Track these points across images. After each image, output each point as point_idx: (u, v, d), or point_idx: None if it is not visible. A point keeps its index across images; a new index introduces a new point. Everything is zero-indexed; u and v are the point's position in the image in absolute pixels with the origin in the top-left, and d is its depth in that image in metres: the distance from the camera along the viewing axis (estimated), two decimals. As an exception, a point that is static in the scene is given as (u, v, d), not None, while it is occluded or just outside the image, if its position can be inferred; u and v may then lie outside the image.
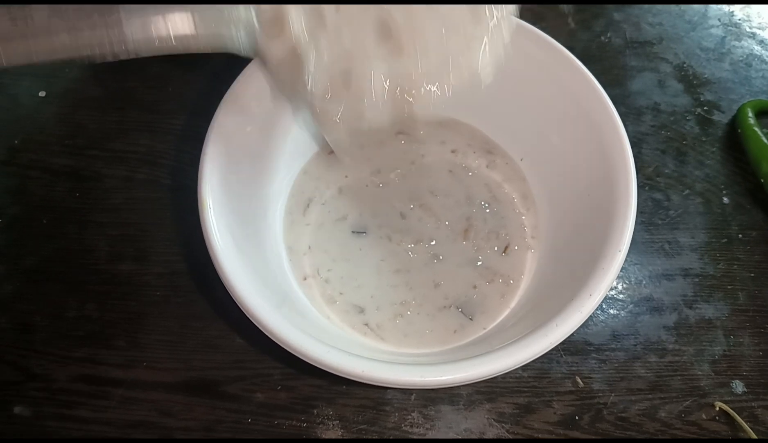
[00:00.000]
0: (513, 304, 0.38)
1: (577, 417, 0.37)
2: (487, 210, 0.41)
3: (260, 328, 0.29)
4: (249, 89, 0.36)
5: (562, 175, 0.39)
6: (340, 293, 0.38)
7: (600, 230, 0.32)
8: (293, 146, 0.41)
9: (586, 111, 0.36)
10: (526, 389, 0.38)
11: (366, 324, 0.37)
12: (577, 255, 0.34)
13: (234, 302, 0.31)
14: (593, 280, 0.30)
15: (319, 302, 0.38)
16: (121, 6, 0.28)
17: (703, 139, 0.48)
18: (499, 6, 0.30)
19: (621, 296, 0.41)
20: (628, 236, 0.31)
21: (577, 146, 0.37)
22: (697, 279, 0.42)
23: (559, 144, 0.39)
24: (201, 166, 0.33)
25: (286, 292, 0.36)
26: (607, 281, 0.30)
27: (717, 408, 0.38)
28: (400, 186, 0.42)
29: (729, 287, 0.42)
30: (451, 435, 0.36)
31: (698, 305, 0.41)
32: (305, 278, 0.38)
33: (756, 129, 0.46)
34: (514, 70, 0.40)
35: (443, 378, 0.28)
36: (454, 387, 0.37)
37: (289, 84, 0.31)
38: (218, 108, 0.35)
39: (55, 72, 0.49)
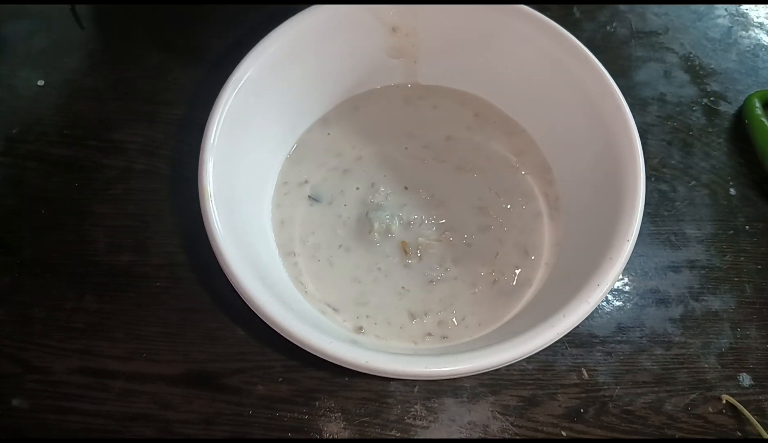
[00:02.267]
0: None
1: (582, 410, 0.37)
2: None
3: (262, 318, 0.29)
4: (249, 77, 0.36)
5: (571, 163, 0.39)
6: (340, 290, 0.37)
7: (608, 220, 0.32)
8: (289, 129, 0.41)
9: (595, 101, 0.36)
10: (530, 381, 0.37)
11: (368, 316, 0.36)
12: (584, 245, 0.34)
13: (234, 293, 0.30)
14: (601, 270, 0.30)
15: (316, 294, 0.37)
16: None
17: (710, 130, 0.47)
18: None
19: (627, 288, 0.41)
20: (637, 225, 0.31)
21: (586, 136, 0.37)
22: (703, 271, 0.42)
23: (568, 134, 0.39)
24: (201, 154, 0.32)
25: (286, 281, 0.36)
26: (615, 271, 0.30)
27: (723, 402, 0.37)
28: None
29: (736, 279, 0.41)
30: (455, 428, 0.36)
31: (705, 298, 0.41)
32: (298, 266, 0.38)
33: (763, 120, 0.46)
34: (527, 61, 0.39)
35: (448, 368, 0.28)
36: (458, 379, 0.37)
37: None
38: (218, 97, 0.35)
39: (54, 61, 0.48)
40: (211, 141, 0.33)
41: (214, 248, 0.30)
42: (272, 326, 0.29)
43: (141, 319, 0.39)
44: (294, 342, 0.29)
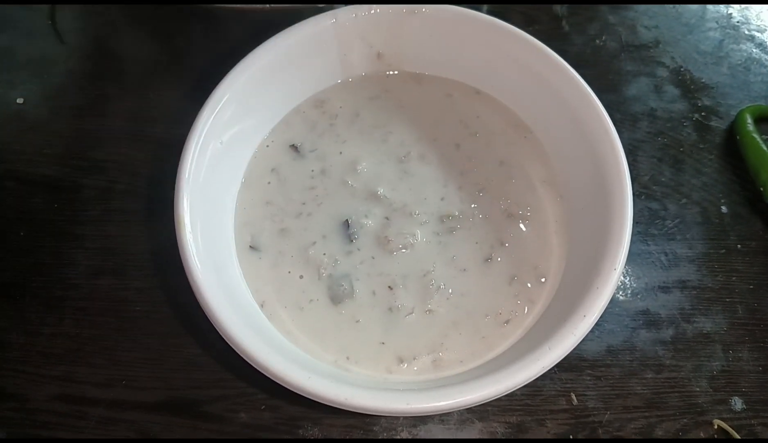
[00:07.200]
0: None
1: (571, 436, 0.36)
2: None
3: (236, 350, 0.28)
4: (229, 98, 0.35)
5: (559, 187, 0.38)
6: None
7: (594, 247, 0.31)
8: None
9: (581, 123, 0.35)
10: (518, 407, 0.37)
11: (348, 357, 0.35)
12: (579, 271, 0.33)
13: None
14: (587, 300, 0.29)
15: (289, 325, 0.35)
16: None
17: (701, 146, 0.47)
18: None
19: (616, 309, 0.40)
20: (624, 253, 0.30)
21: (573, 159, 0.36)
22: (694, 292, 0.41)
23: (554, 156, 0.38)
24: (177, 183, 0.32)
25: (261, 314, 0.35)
26: (601, 301, 0.29)
27: (715, 426, 0.37)
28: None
29: (727, 299, 0.41)
30: (441, 457, 0.35)
31: (696, 319, 0.40)
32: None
33: (755, 136, 0.45)
34: (510, 78, 0.39)
35: (430, 405, 0.27)
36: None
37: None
38: (196, 119, 0.34)
39: (34, 78, 0.48)
40: (187, 172, 0.32)
41: (191, 282, 0.29)
42: (247, 360, 0.28)
43: (121, 345, 0.38)
44: (270, 377, 0.28)
